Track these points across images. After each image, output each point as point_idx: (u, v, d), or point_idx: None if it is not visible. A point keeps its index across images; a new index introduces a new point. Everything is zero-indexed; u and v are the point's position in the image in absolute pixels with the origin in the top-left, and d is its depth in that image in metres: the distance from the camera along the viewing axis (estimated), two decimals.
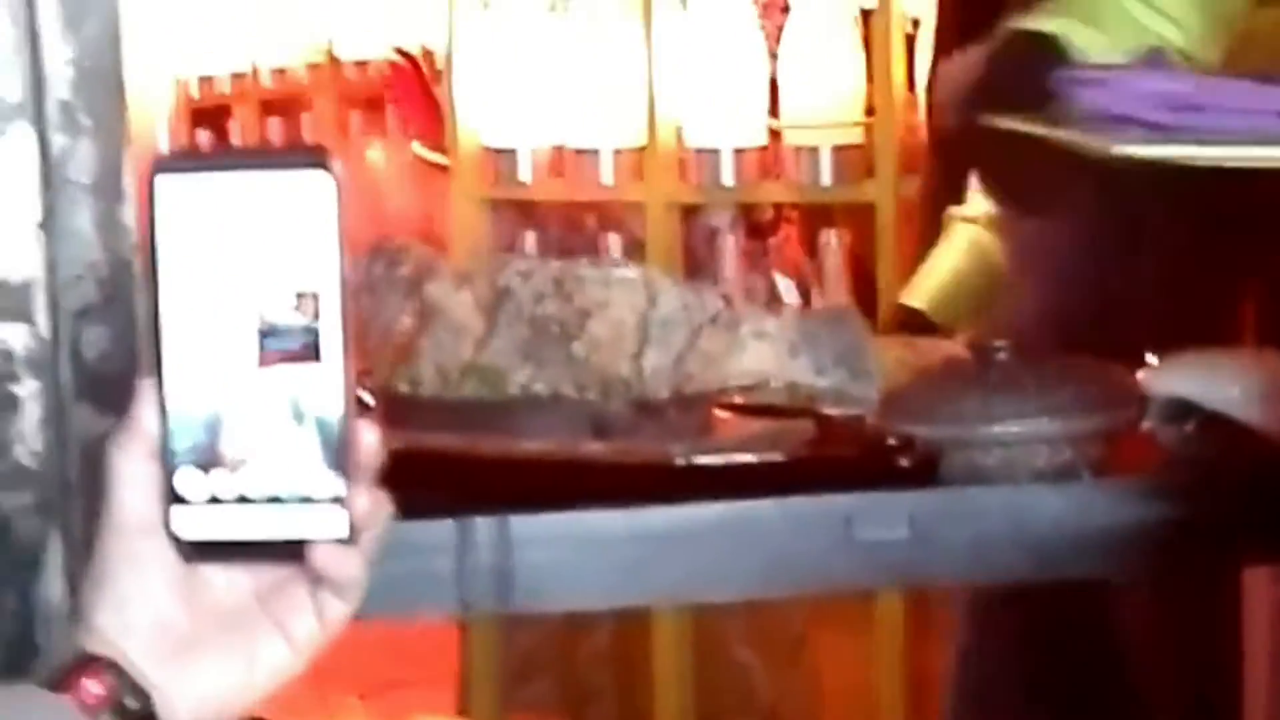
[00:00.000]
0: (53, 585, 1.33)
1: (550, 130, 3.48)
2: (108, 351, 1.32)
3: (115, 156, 1.32)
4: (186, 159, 1.02)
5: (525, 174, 3.55)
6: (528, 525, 1.44)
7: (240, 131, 5.01)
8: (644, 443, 1.53)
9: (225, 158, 1.02)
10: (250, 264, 0.96)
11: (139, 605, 1.00)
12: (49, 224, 1.32)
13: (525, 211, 3.85)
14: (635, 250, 3.72)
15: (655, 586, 1.53)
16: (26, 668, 1.31)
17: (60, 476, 1.31)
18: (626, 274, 1.57)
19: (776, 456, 1.54)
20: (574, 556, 1.45)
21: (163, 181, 0.96)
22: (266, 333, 0.96)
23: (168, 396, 0.97)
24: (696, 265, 3.69)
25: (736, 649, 4.37)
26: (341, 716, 4.90)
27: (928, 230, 2.99)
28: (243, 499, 0.97)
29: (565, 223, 3.89)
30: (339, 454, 0.97)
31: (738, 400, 1.61)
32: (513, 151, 3.52)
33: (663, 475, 1.52)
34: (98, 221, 1.32)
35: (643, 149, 3.40)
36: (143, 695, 0.99)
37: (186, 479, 0.98)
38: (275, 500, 0.97)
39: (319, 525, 0.97)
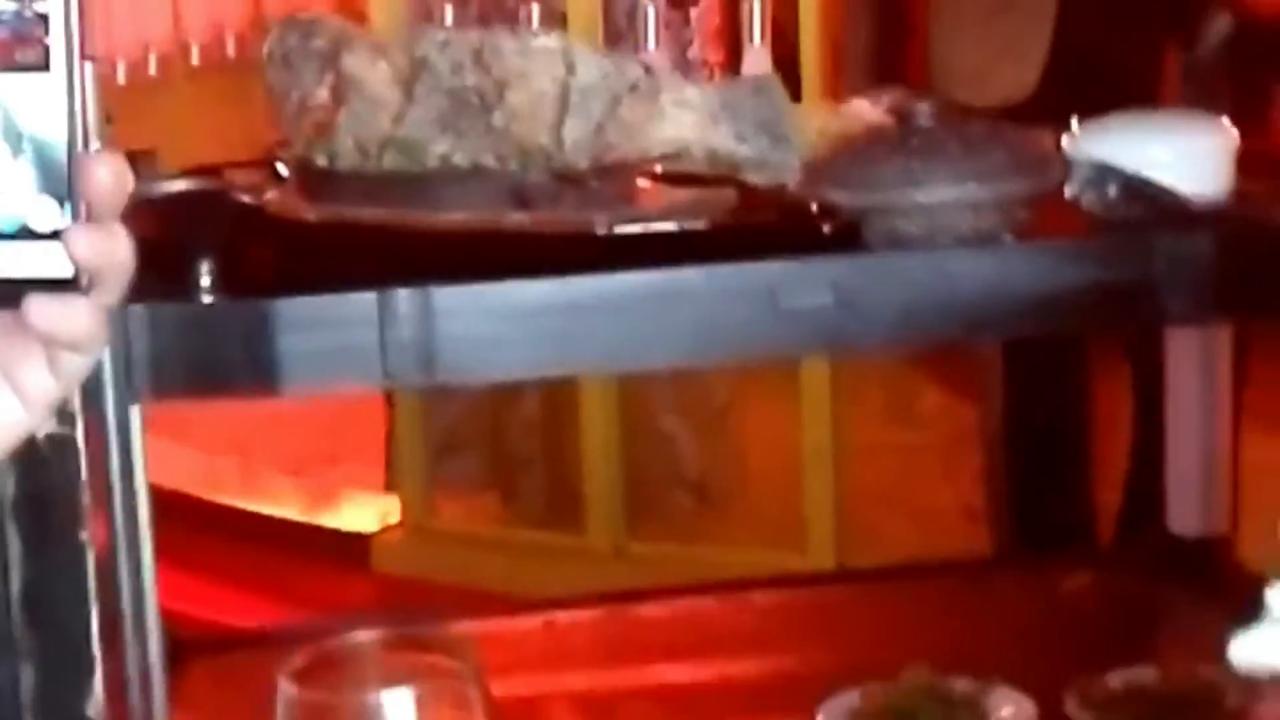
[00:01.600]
0: None
1: None
2: None
3: None
4: None
5: None
6: (450, 296, 1.43)
7: None
8: (566, 212, 1.52)
9: None
10: None
11: None
12: None
13: None
14: (556, 21, 3.68)
15: (580, 356, 1.52)
16: None
17: None
18: (546, 43, 1.55)
19: (699, 224, 1.53)
20: (497, 327, 1.44)
21: None
22: None
23: None
24: (617, 36, 3.66)
25: (663, 418, 4.40)
26: (271, 494, 4.92)
27: None
28: None
29: None
30: (63, 183, 0.84)
31: (659, 169, 1.60)
32: None
33: (585, 245, 1.51)
34: None
35: None
36: None
37: None
38: None
39: (37, 263, 0.84)
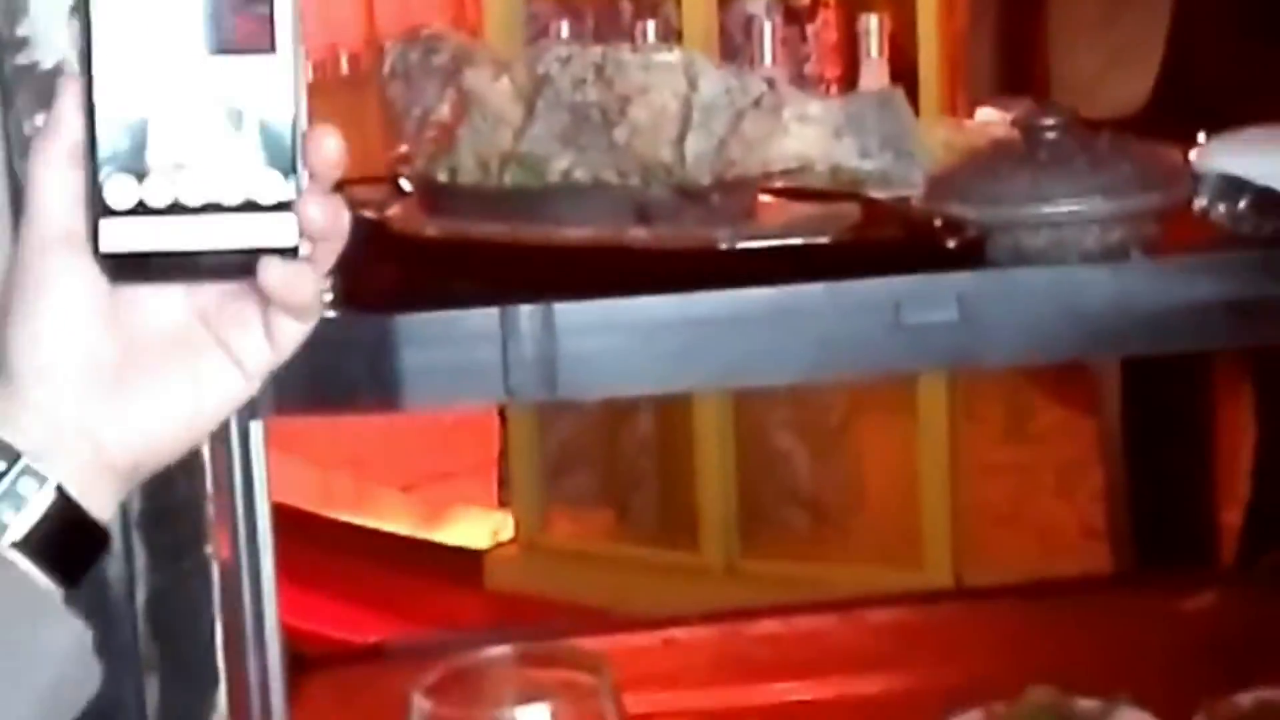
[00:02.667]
0: None
1: None
2: None
3: None
4: None
5: None
6: (571, 313, 1.43)
7: None
8: (687, 228, 1.52)
9: None
10: None
11: (58, 337, 0.89)
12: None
13: (560, 0, 3.81)
14: (671, 38, 3.68)
15: (701, 372, 1.51)
16: None
17: None
18: (667, 58, 1.54)
19: (822, 240, 1.52)
20: (619, 343, 1.44)
21: None
22: (210, 19, 0.86)
23: (97, 92, 0.86)
24: (733, 52, 3.66)
25: (778, 435, 4.38)
26: (384, 510, 4.93)
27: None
28: (177, 206, 0.87)
29: (600, 11, 3.85)
30: (289, 157, 0.87)
31: (782, 185, 1.59)
32: None
33: (707, 260, 1.50)
34: None
35: None
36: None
37: (116, 186, 0.87)
38: (214, 207, 0.87)
39: (263, 233, 0.87)
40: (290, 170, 0.87)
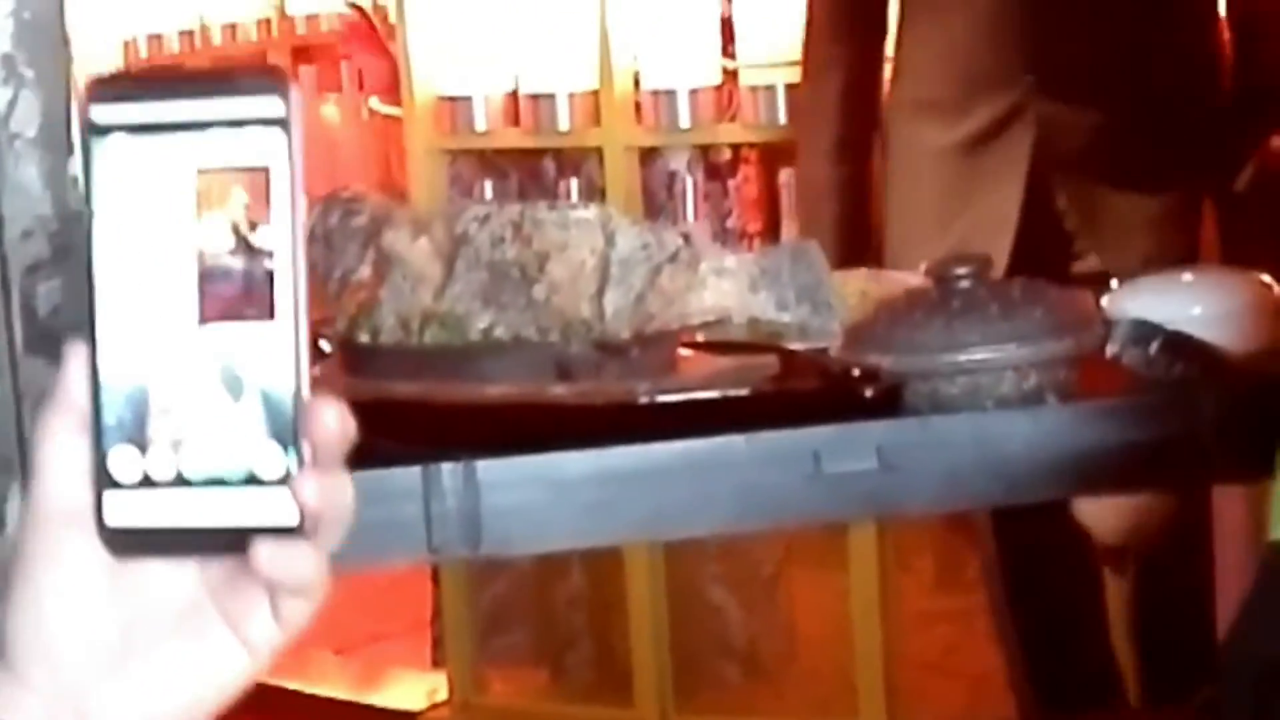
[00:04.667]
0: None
1: (505, 77, 3.46)
2: (59, 306, 1.30)
3: (60, 109, 1.31)
4: (125, 83, 0.87)
5: (481, 122, 3.54)
6: (494, 469, 1.43)
7: None
8: (608, 383, 1.53)
9: (169, 82, 0.87)
10: (195, 206, 0.84)
11: (60, 616, 0.86)
12: None
13: (483, 161, 3.84)
14: (594, 195, 3.70)
15: (624, 526, 1.52)
16: None
17: (16, 432, 1.30)
18: (584, 215, 1.56)
19: (741, 392, 1.53)
20: (542, 498, 1.45)
21: (98, 111, 0.84)
22: (210, 288, 0.84)
23: (101, 362, 0.85)
24: (656, 209, 3.68)
25: (711, 589, 4.37)
26: (317, 672, 4.90)
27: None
28: (181, 480, 0.84)
29: (523, 170, 3.88)
30: (289, 429, 0.84)
31: (700, 338, 1.61)
32: (468, 100, 3.51)
33: (628, 414, 1.51)
34: (45, 175, 1.30)
35: (598, 92, 3.38)
36: None
37: (120, 458, 0.85)
38: (217, 482, 0.84)
39: (264, 511, 0.84)
40: (290, 443, 0.84)
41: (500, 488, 1.44)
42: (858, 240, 2.74)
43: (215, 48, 5.08)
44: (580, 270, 1.53)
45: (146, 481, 0.84)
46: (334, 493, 0.84)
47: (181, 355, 0.84)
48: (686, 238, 1.55)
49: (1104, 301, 1.58)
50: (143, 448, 0.84)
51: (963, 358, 1.49)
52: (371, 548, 1.43)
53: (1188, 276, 1.68)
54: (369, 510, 1.44)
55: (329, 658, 5.06)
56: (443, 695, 4.65)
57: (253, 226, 0.84)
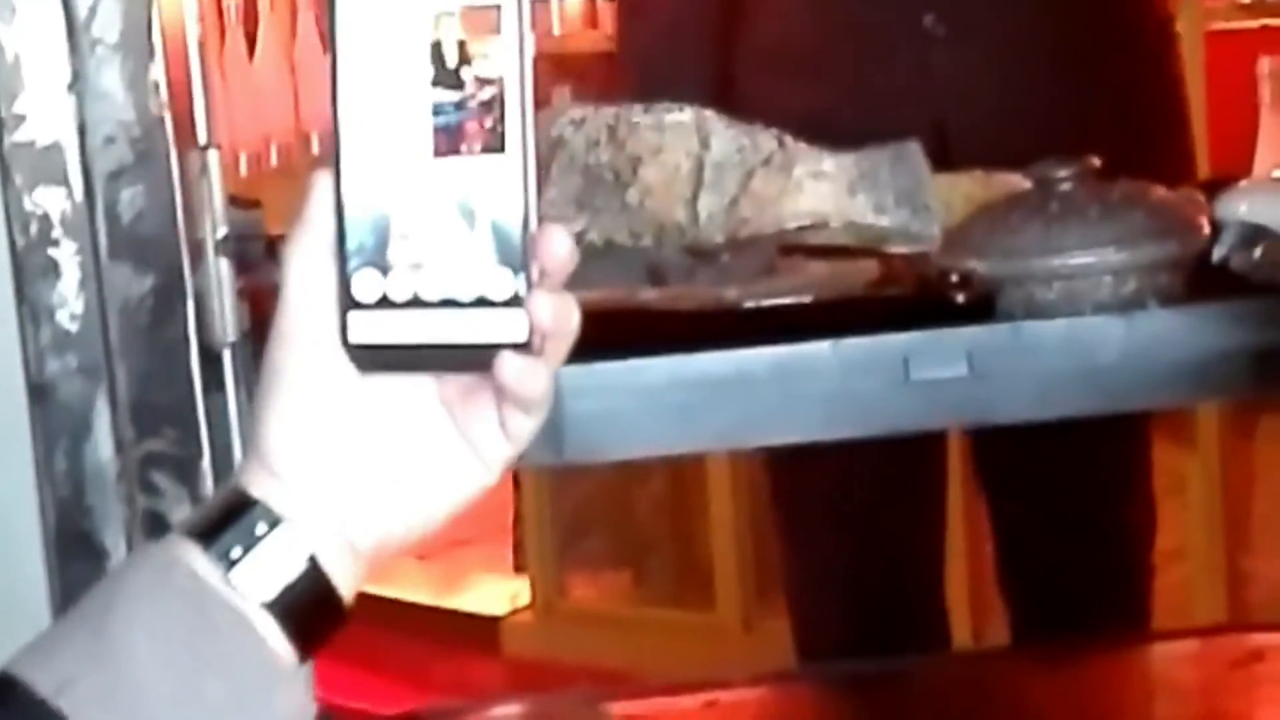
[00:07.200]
0: (102, 446, 1.32)
1: None
2: (143, 211, 1.30)
3: (142, 13, 1.30)
4: None
5: (555, 25, 3.50)
6: (576, 375, 1.41)
7: None
8: (699, 288, 1.50)
9: None
10: (430, 49, 0.90)
11: (309, 421, 0.93)
12: (78, 85, 1.30)
13: (559, 64, 3.80)
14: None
15: (709, 433, 1.50)
16: (79, 527, 1.32)
17: (103, 338, 1.29)
18: (679, 118, 1.53)
19: (831, 297, 1.50)
20: (625, 405, 1.42)
21: None
22: (446, 123, 0.90)
23: (345, 192, 0.91)
24: None
25: None
26: (400, 578, 4.91)
27: None
28: (417, 301, 0.91)
29: (601, 76, 3.84)
30: (519, 254, 0.90)
31: (799, 243, 1.58)
32: (546, 2, 3.48)
33: (715, 320, 1.48)
34: (127, 81, 1.29)
35: None
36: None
37: (362, 281, 0.91)
38: (450, 303, 0.91)
39: (495, 329, 0.91)
40: (520, 268, 0.90)
41: (583, 394, 1.41)
42: None
43: None
44: (674, 174, 1.50)
45: (385, 302, 0.91)
46: (562, 311, 0.91)
47: (418, 185, 0.91)
48: (781, 140, 1.52)
49: (1210, 203, 1.54)
50: (384, 270, 0.91)
51: (1058, 262, 1.45)
52: None
53: None
54: None
55: (411, 563, 5.08)
56: (524, 600, 4.67)
57: (484, 64, 0.90)
